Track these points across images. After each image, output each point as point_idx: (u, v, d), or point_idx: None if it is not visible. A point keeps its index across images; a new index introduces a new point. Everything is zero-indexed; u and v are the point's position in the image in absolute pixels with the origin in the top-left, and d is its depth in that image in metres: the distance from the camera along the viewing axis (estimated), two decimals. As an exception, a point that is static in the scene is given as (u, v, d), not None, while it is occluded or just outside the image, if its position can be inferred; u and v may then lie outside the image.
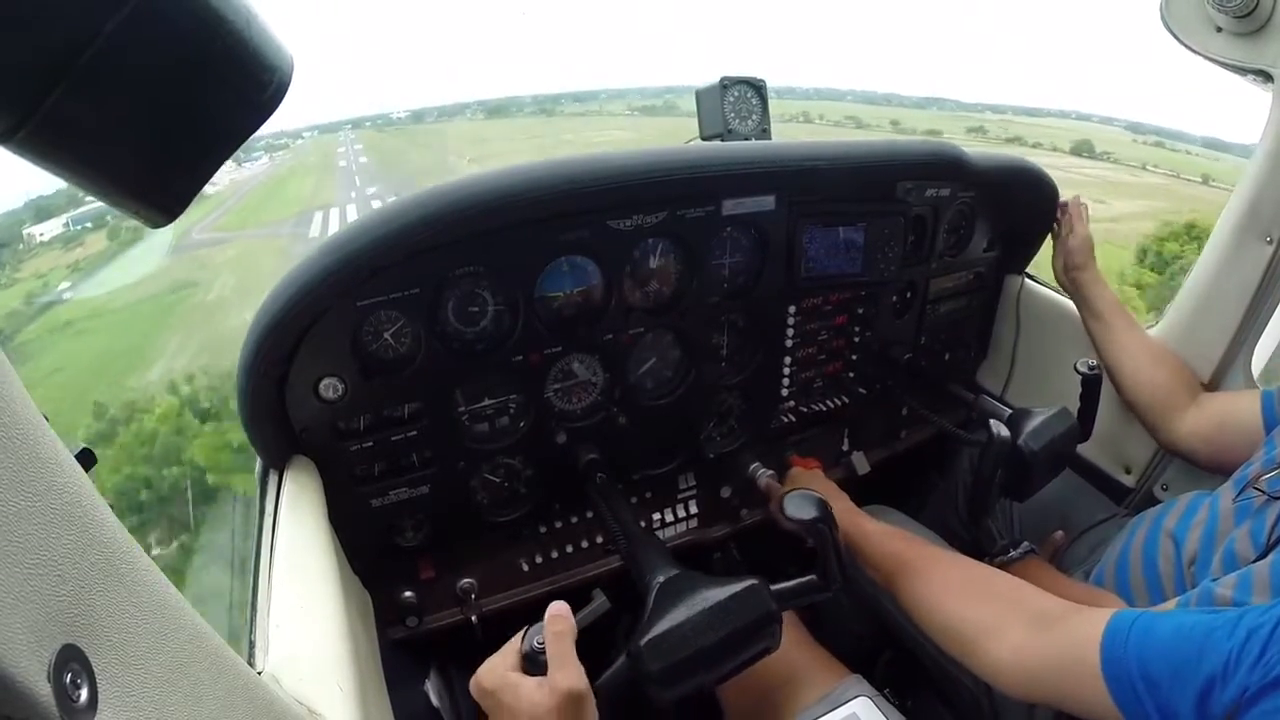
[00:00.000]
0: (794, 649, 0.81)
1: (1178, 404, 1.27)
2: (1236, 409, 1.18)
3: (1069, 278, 1.45)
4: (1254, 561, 0.87)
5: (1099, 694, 0.69)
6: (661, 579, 0.81)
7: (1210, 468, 1.24)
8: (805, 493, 0.85)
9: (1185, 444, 1.27)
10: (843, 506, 1.18)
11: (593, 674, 0.73)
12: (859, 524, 1.07)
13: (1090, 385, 1.22)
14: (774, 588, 0.82)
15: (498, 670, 0.73)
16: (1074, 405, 1.25)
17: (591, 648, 0.75)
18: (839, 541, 0.84)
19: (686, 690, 0.75)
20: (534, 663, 0.72)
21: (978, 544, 1.31)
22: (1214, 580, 0.88)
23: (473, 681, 0.75)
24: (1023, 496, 1.23)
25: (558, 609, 0.74)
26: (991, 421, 1.17)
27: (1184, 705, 0.62)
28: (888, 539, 1.04)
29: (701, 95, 1.42)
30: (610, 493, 1.08)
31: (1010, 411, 1.24)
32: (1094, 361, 1.23)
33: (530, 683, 0.70)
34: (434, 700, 1.19)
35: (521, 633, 0.75)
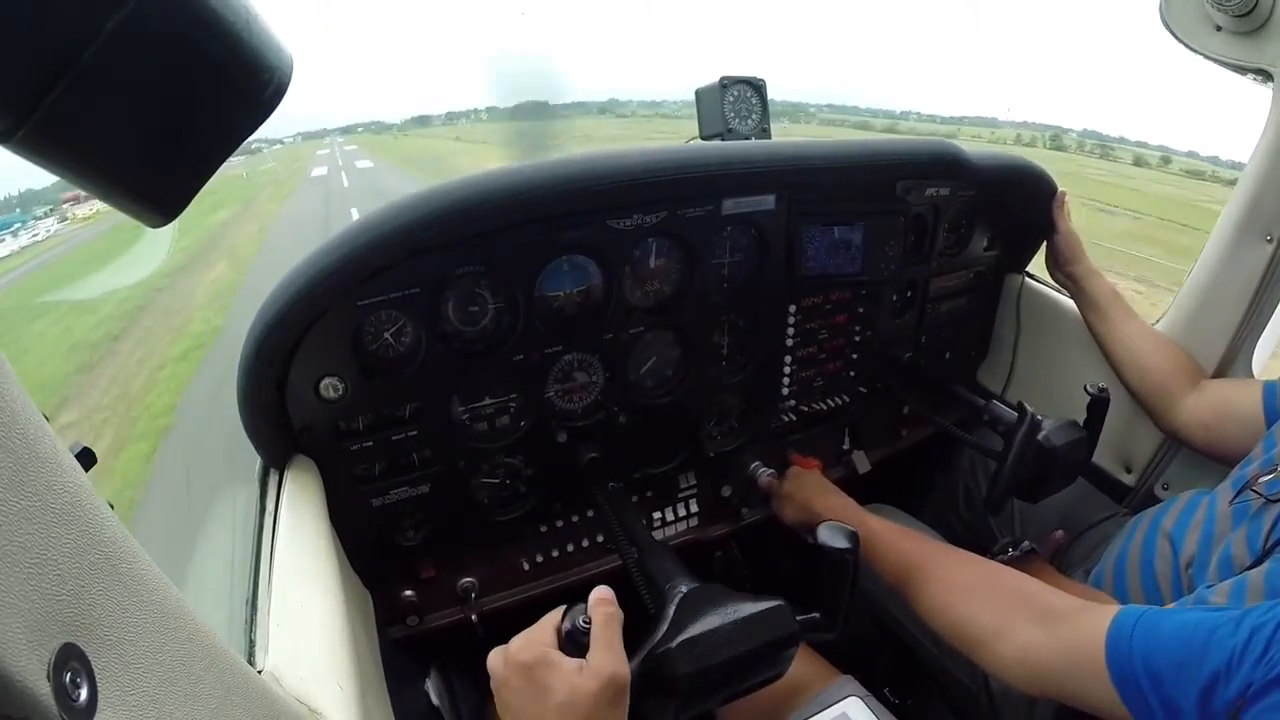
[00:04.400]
0: None
1: (1178, 389, 1.28)
2: (1237, 398, 1.18)
3: (1063, 273, 1.46)
4: (1249, 568, 0.87)
5: (1105, 690, 0.70)
6: (685, 588, 0.79)
7: (1209, 455, 1.25)
8: (841, 525, 0.83)
9: (1185, 430, 1.27)
10: (846, 505, 1.18)
11: None
12: (865, 523, 1.07)
13: (1097, 408, 1.22)
14: None
15: (536, 644, 0.68)
16: (1074, 403, 1.25)
17: None
18: (856, 582, 0.83)
19: (703, 705, 0.74)
20: (575, 643, 0.68)
21: (979, 542, 1.31)
22: (1209, 587, 0.88)
23: (499, 653, 0.70)
24: (1036, 497, 1.22)
25: (605, 593, 0.70)
26: (1023, 403, 1.18)
27: (1188, 701, 0.63)
28: (896, 538, 1.05)
29: (701, 95, 1.42)
30: (620, 503, 1.07)
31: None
32: (1102, 384, 1.23)
33: (571, 663, 0.66)
34: (434, 699, 1.19)
35: (561, 610, 0.71)
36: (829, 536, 0.82)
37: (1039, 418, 1.19)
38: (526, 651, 0.67)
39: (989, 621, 0.86)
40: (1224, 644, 0.62)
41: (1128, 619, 0.71)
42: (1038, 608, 0.82)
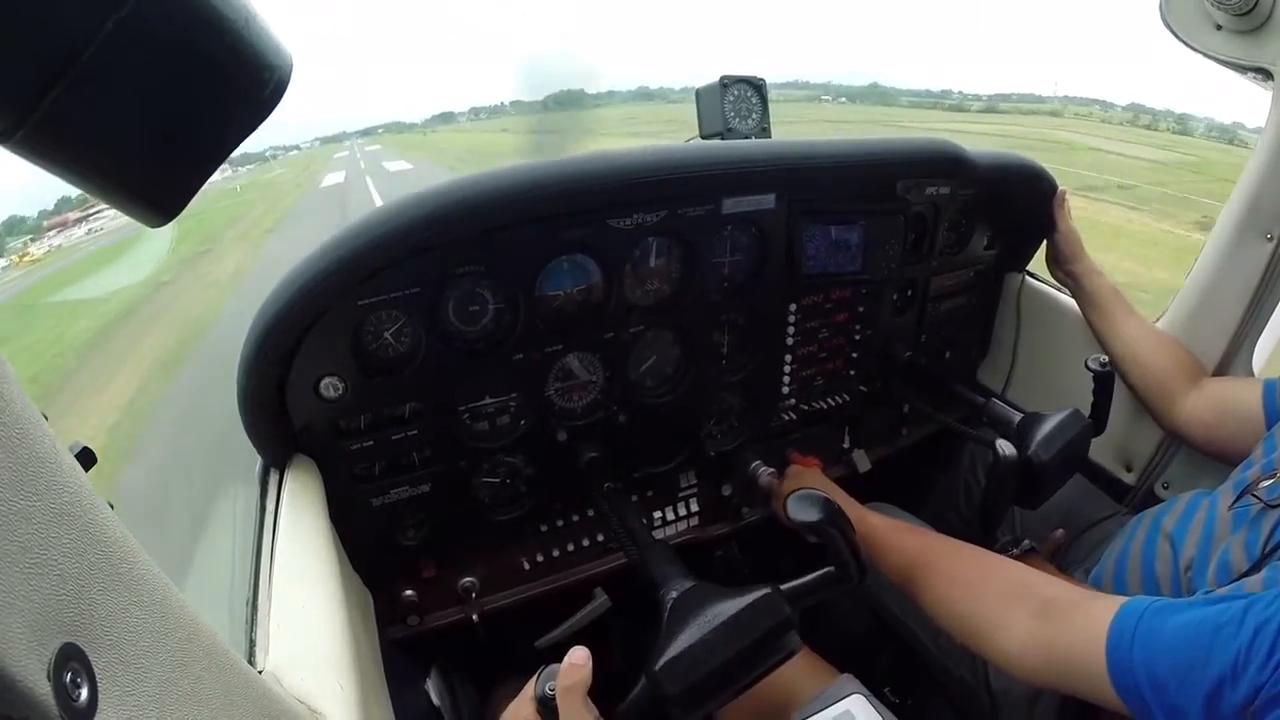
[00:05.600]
0: None
1: (1179, 388, 1.28)
2: (1238, 396, 1.18)
3: (1064, 272, 1.46)
4: (1246, 574, 0.87)
5: (1105, 689, 0.70)
6: (675, 594, 0.79)
7: (1210, 454, 1.25)
8: (808, 493, 0.83)
9: (1185, 429, 1.27)
10: (846, 503, 1.18)
11: (595, 678, 0.72)
12: (866, 521, 1.07)
13: (1103, 382, 1.22)
14: (788, 586, 0.80)
15: None
16: (1075, 402, 1.25)
17: (591, 650, 0.75)
18: (851, 535, 0.83)
19: (709, 708, 0.74)
20: (548, 708, 0.70)
21: (978, 541, 1.31)
22: (1207, 592, 0.88)
23: None
24: (1034, 505, 1.22)
25: (576, 657, 0.71)
26: (999, 442, 1.15)
27: (1192, 705, 0.62)
28: (896, 534, 1.05)
29: (701, 94, 1.42)
30: (619, 502, 1.07)
31: (1021, 416, 1.23)
32: (1105, 358, 1.22)
33: None
34: (434, 699, 1.19)
35: (536, 675, 0.73)
36: (798, 510, 0.82)
37: (1031, 419, 1.19)
38: None
39: (989, 613, 0.86)
40: (1228, 646, 0.61)
41: (1128, 620, 0.70)
42: (1038, 599, 0.82)
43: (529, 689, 0.73)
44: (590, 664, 0.70)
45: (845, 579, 0.82)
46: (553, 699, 0.69)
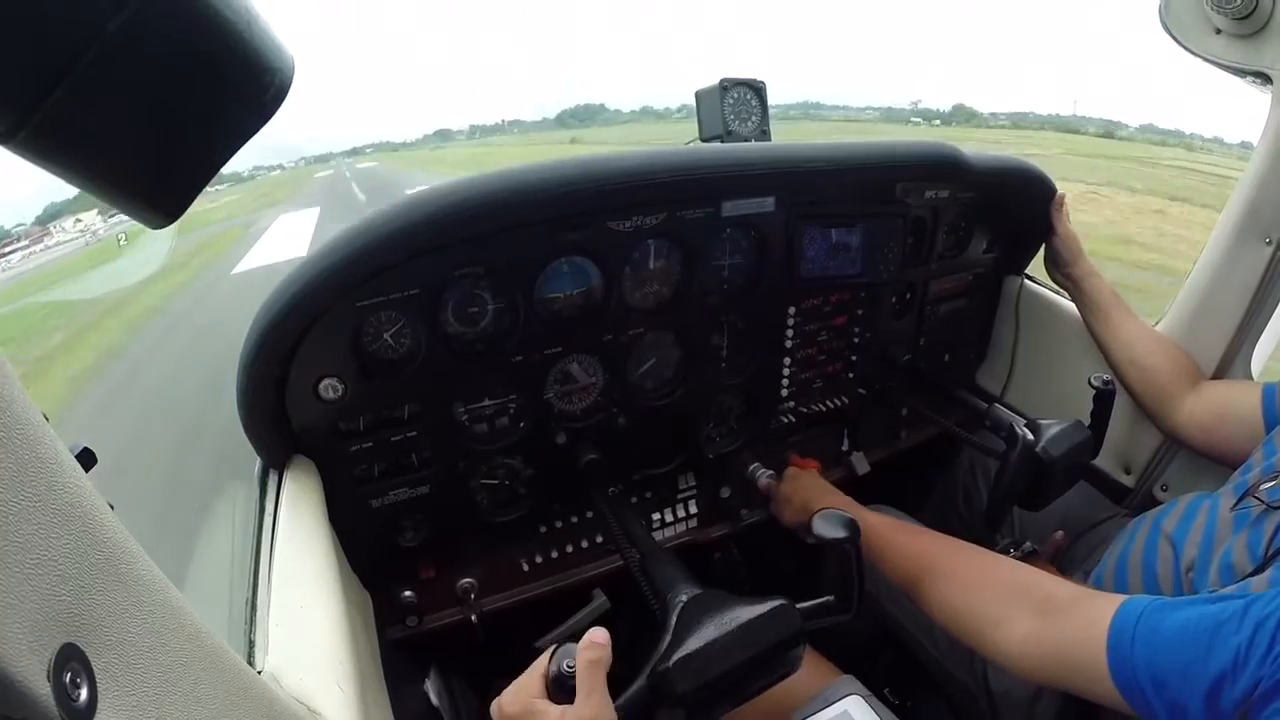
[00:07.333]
0: None
1: (1178, 390, 1.28)
2: (1237, 399, 1.19)
3: (1063, 275, 1.46)
4: (1251, 575, 0.87)
5: (1106, 688, 0.70)
6: (685, 598, 0.79)
7: (1208, 456, 1.25)
8: (835, 512, 0.83)
9: (1184, 431, 1.27)
10: (846, 505, 1.18)
11: None
12: (865, 520, 1.07)
13: (1103, 400, 1.22)
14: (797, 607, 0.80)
15: (521, 696, 0.70)
16: (1073, 406, 1.25)
17: None
18: (862, 564, 0.82)
19: (711, 715, 0.74)
20: (561, 686, 0.69)
21: (978, 544, 1.31)
22: (1211, 592, 0.88)
23: (495, 705, 0.71)
24: (1037, 507, 1.22)
25: (598, 635, 0.70)
26: (1015, 422, 1.17)
27: (1193, 702, 0.62)
28: (897, 535, 1.05)
29: (701, 97, 1.42)
30: (622, 507, 1.07)
31: (1025, 420, 1.23)
32: (1108, 376, 1.22)
33: (555, 710, 0.67)
34: (433, 700, 1.19)
35: (549, 652, 0.72)
36: (824, 527, 0.81)
37: (1038, 423, 1.19)
38: (513, 704, 0.69)
39: (989, 611, 0.86)
40: (1228, 643, 0.61)
41: (1129, 617, 0.70)
42: (1038, 597, 0.82)
43: (539, 665, 0.72)
44: (610, 643, 0.69)
45: (844, 610, 0.82)
46: (570, 676, 0.68)
